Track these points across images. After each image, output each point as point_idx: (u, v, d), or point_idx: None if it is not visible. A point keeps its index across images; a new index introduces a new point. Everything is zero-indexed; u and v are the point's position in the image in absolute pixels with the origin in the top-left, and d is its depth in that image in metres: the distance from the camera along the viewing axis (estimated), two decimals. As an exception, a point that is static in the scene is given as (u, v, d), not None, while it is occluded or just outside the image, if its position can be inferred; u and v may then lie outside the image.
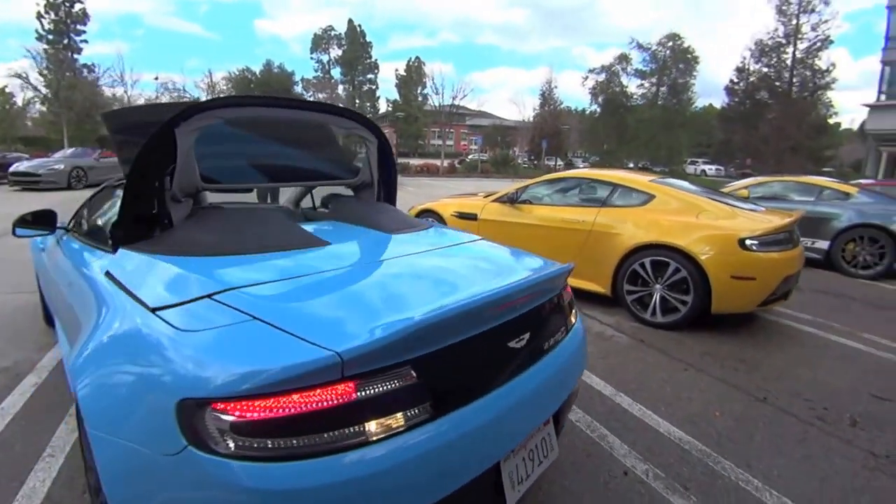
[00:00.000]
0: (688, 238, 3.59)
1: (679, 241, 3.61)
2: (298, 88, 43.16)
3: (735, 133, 28.50)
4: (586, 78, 32.02)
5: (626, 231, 3.91)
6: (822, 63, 25.69)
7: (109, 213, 2.15)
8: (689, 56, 29.51)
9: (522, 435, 1.33)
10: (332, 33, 46.62)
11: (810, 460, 2.12)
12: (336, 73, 46.54)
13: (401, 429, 1.02)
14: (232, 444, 0.91)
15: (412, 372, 1.06)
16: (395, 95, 45.75)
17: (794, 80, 26.00)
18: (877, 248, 5.83)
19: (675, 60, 29.61)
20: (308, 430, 0.93)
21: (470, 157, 44.02)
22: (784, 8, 25.48)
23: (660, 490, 1.87)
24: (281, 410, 0.92)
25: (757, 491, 1.89)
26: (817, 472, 2.04)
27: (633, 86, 31.07)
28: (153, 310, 1.18)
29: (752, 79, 28.14)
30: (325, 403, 0.95)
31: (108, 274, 1.51)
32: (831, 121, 28.51)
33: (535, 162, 38.12)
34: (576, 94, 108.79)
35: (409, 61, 45.66)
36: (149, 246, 1.58)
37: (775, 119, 25.42)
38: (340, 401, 0.96)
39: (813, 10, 24.93)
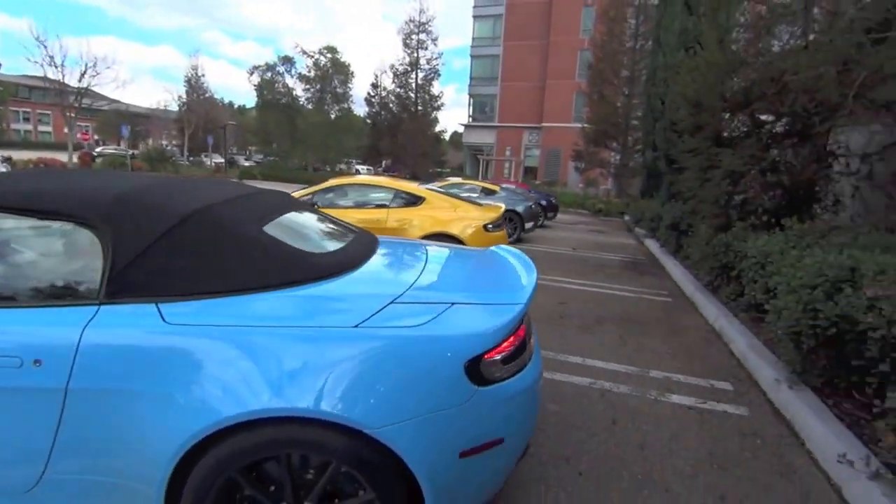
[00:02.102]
0: (456, 227, 5.15)
1: (451, 229, 5.12)
2: None
3: (381, 140, 34.56)
4: (252, 73, 31.36)
5: (412, 226, 5.13)
6: (435, 90, 34.68)
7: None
8: (347, 69, 33.61)
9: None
10: None
11: (564, 336, 3.98)
12: None
13: (535, 345, 1.78)
14: (502, 373, 1.49)
15: (526, 312, 1.71)
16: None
17: (419, 101, 33.95)
18: (512, 224, 9.37)
19: (335, 71, 33.03)
20: (518, 354, 1.55)
21: (99, 148, 34.68)
22: (408, 42, 32.80)
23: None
24: (514, 345, 1.53)
25: (565, 357, 3.52)
26: (569, 340, 3.90)
27: (299, 89, 32.72)
28: (355, 326, 1.38)
29: (384, 94, 34.64)
30: (523, 336, 1.60)
31: (196, 326, 1.36)
32: (443, 134, 39.09)
33: (192, 158, 34.23)
34: (229, 87, 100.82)
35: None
36: (194, 291, 1.44)
37: (408, 130, 32.52)
38: (526, 332, 1.64)
39: (426, 48, 33.19)
